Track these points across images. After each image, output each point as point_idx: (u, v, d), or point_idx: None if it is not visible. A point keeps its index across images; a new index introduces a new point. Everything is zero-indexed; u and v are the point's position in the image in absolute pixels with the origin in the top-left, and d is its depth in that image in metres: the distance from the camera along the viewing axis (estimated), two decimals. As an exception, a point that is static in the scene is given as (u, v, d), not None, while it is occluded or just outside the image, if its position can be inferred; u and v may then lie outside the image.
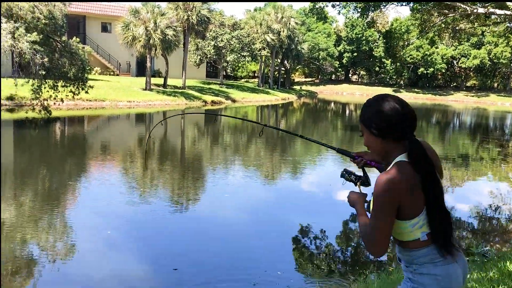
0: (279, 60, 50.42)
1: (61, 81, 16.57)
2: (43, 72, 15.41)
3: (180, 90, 32.63)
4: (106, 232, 5.81)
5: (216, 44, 37.10)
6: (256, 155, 13.07)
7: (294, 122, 25.46)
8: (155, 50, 29.31)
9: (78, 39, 17.40)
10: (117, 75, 37.35)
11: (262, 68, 47.92)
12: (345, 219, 6.99)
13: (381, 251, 1.85)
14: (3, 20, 14.39)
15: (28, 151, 12.64)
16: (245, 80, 56.75)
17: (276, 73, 52.15)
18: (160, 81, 33.99)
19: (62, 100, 16.81)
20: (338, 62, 60.87)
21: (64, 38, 17.93)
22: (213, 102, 32.44)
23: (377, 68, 63.52)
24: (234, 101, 35.27)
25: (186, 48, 34.35)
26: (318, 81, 66.51)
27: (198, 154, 13.12)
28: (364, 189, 2.13)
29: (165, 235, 5.85)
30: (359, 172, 2.19)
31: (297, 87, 56.65)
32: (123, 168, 10.51)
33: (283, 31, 43.86)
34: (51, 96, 16.48)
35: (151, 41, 28.53)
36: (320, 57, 57.81)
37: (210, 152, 13.69)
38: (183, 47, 33.89)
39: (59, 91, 16.66)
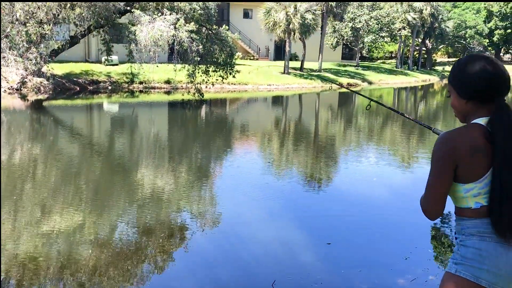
0: (419, 40, 47.74)
1: (212, 66, 18.21)
2: (198, 59, 17.11)
3: (316, 73, 33.08)
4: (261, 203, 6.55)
5: (353, 25, 36.61)
6: (391, 140, 12.99)
7: (434, 105, 24.27)
8: (294, 34, 30.08)
9: (227, 27, 18.86)
10: (257, 59, 39.08)
11: (401, 49, 45.92)
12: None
13: (432, 212, 1.76)
14: (167, 12, 16.26)
15: (181, 128, 14.29)
16: (381, 61, 54.85)
17: (416, 53, 49.52)
18: (297, 64, 34.79)
19: (213, 84, 18.46)
20: (487, 40, 55.43)
21: (214, 26, 19.56)
22: (348, 85, 32.26)
23: (535, 46, 56.42)
24: (370, 83, 34.63)
25: (323, 31, 34.55)
26: (463, 61, 61.30)
27: (331, 136, 13.47)
28: None
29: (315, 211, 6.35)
30: None
31: (439, 68, 53.03)
32: (260, 146, 11.39)
33: (426, 9, 41.39)
34: (203, 80, 18.24)
35: (290, 25, 29.35)
36: (466, 35, 53.26)
37: (343, 134, 13.96)
38: (320, 30, 34.15)
39: (210, 76, 18.35)
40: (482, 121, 1.71)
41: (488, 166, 1.67)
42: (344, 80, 32.67)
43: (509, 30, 55.02)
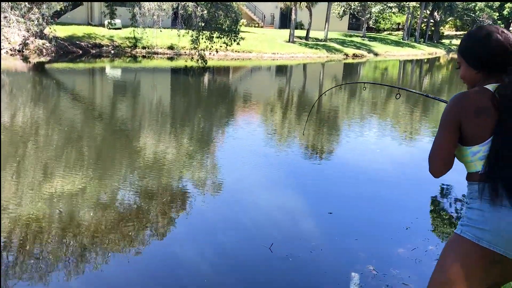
0: (428, 12, 46.85)
1: (216, 32, 17.92)
2: (202, 24, 16.83)
3: (321, 43, 32.61)
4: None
5: (361, -6, 35.88)
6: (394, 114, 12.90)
7: (439, 79, 24.00)
8: (300, 2, 29.50)
9: (232, -8, 18.46)
10: (262, 27, 38.50)
11: (409, 20, 45.11)
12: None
13: (436, 168, 1.81)
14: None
15: (183, 95, 14.19)
16: (388, 32, 53.99)
17: (423, 25, 48.68)
18: (302, 33, 34.25)
19: (216, 50, 18.21)
20: (497, 14, 54.35)
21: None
22: (354, 56, 31.88)
23: (546, 21, 55.33)
24: (376, 54, 34.18)
25: (330, -1, 33.87)
26: (471, 34, 60.30)
27: (335, 107, 13.38)
28: None
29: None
30: None
31: (446, 41, 52.29)
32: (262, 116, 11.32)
33: (436, -21, 40.48)
34: (207, 46, 17.99)
35: (297, -8, 28.76)
36: (476, 8, 52.21)
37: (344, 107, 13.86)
38: (327, -2, 33.49)
39: (214, 42, 18.08)
40: (490, 87, 1.76)
41: (492, 130, 1.71)
42: (350, 51, 32.24)
43: (520, 4, 53.85)
